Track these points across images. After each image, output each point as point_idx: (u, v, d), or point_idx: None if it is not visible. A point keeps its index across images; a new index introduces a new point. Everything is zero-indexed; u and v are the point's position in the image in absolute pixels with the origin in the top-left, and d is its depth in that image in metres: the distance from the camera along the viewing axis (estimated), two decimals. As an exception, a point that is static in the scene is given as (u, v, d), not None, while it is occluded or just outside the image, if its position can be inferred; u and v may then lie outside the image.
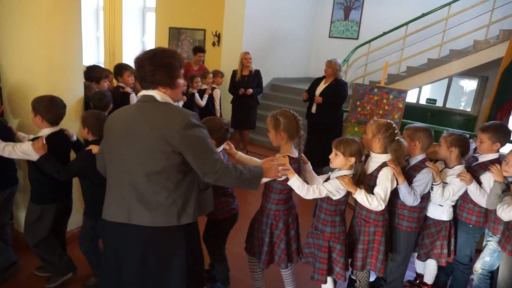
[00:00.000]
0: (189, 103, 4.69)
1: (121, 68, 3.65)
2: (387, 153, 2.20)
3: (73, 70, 2.71)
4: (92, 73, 3.22)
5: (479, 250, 2.49)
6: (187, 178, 1.61)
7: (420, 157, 2.27)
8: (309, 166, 2.29)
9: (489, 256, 2.35)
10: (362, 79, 6.64)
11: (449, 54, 5.97)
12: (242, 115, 5.20)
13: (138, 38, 7.97)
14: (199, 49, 5.54)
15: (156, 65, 1.54)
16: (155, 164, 1.52)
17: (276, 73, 7.36)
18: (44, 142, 2.19)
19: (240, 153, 2.38)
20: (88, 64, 3.65)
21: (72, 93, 2.73)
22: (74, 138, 2.51)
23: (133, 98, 3.61)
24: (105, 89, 3.09)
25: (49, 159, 2.18)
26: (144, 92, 1.60)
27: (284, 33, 7.44)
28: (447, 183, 2.33)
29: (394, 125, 2.20)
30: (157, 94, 1.57)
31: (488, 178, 2.26)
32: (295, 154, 2.14)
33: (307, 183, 2.15)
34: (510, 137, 2.38)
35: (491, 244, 2.35)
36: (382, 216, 2.19)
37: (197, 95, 4.91)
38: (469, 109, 7.50)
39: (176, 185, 1.56)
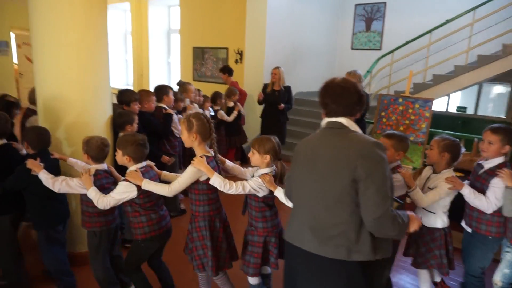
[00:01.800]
0: (217, 121, 4.83)
1: (163, 89, 3.76)
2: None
3: (102, 91, 2.85)
4: (122, 97, 3.35)
5: (496, 260, 2.38)
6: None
7: (394, 164, 2.25)
8: (229, 163, 2.42)
9: (508, 268, 2.24)
10: (386, 90, 6.54)
11: (477, 60, 5.79)
12: (272, 130, 5.23)
13: (164, 59, 8.26)
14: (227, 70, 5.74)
15: (342, 94, 1.59)
16: (334, 191, 1.51)
17: (300, 87, 7.37)
18: None
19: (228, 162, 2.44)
20: (118, 86, 3.81)
21: (101, 112, 2.86)
22: (24, 152, 2.57)
23: (176, 119, 3.73)
24: (131, 111, 3.21)
25: None
26: (332, 119, 1.62)
27: (306, 47, 7.49)
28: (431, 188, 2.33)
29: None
30: (344, 120, 1.59)
31: (499, 184, 2.16)
32: (210, 153, 2.25)
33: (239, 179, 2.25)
34: None
35: (510, 256, 2.24)
36: None
37: (221, 111, 5.02)
38: (502, 115, 7.20)
39: (350, 217, 1.50)
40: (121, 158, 2.23)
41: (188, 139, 2.19)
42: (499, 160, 2.23)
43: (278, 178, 2.23)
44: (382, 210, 1.44)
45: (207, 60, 6.86)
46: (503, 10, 5.51)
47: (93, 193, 2.18)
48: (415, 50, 6.25)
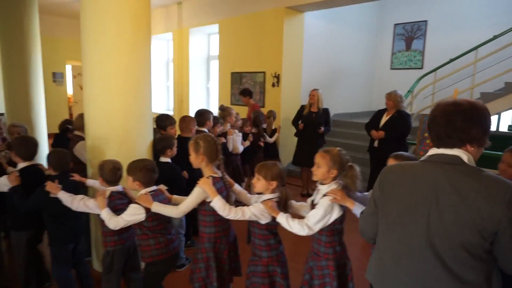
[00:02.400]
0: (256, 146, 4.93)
1: (204, 114, 3.87)
2: None
3: (144, 118, 2.98)
4: (159, 122, 3.49)
5: None
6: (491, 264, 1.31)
7: None
8: (237, 187, 2.37)
9: None
10: (429, 110, 6.27)
11: (529, 76, 5.45)
12: (308, 153, 5.16)
13: (203, 85, 8.53)
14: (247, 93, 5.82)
15: (470, 120, 1.30)
16: (469, 239, 1.25)
17: (338, 108, 7.29)
18: (18, 174, 2.49)
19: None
20: (159, 111, 3.97)
21: (143, 138, 2.98)
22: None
23: None
24: (170, 135, 3.32)
25: (17, 190, 2.45)
26: (443, 151, 1.35)
27: (344, 68, 7.45)
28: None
29: None
30: (463, 154, 1.32)
31: None
32: (218, 174, 2.24)
33: (244, 204, 2.22)
34: None
35: None
36: (332, 249, 2.08)
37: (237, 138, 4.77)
38: (562, 135, 6.64)
39: (485, 265, 1.29)
40: (132, 183, 2.30)
41: (196, 160, 2.23)
42: None
43: (282, 205, 2.14)
44: None
45: (245, 84, 6.98)
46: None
47: (105, 214, 2.26)
48: (460, 67, 6.00)
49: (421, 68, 7.40)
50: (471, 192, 1.24)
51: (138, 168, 2.29)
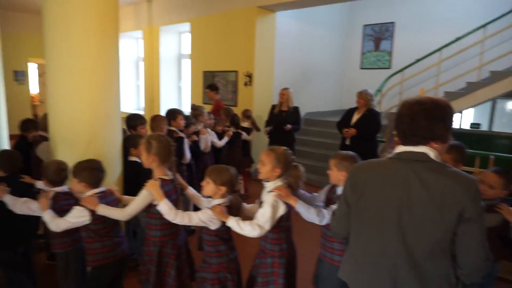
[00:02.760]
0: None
1: (174, 113, 3.80)
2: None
3: (112, 118, 2.88)
4: (129, 121, 3.40)
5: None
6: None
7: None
8: (191, 190, 2.30)
9: None
10: (397, 108, 6.47)
11: (489, 76, 5.72)
12: None
13: (175, 83, 8.40)
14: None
15: (433, 118, 1.34)
16: (438, 233, 1.31)
17: (309, 107, 7.39)
18: None
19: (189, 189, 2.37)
20: (129, 111, 3.86)
21: (111, 138, 2.89)
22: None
23: (185, 143, 3.74)
24: (137, 134, 3.24)
25: None
26: (410, 149, 1.38)
27: (315, 68, 7.55)
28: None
29: None
30: (430, 151, 1.35)
31: None
32: (169, 176, 2.17)
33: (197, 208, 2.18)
34: None
35: None
36: (278, 246, 2.08)
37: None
38: (519, 132, 7.04)
39: (450, 262, 1.35)
40: (78, 185, 2.19)
41: (147, 160, 2.17)
42: None
43: (235, 211, 2.10)
44: (487, 251, 1.33)
45: (217, 84, 6.93)
46: (513, 26, 5.48)
47: (46, 216, 2.16)
48: (426, 68, 6.22)
49: (389, 68, 7.62)
50: (439, 187, 1.29)
51: (83, 169, 2.19)
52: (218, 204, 2.05)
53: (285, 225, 2.09)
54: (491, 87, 5.59)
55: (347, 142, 4.61)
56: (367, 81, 7.41)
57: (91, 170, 2.20)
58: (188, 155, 3.73)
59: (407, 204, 1.33)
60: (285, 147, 2.15)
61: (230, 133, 4.85)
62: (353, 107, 4.71)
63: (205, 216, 2.03)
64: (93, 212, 2.13)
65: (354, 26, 8.24)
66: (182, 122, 3.80)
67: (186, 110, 7.33)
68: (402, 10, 7.52)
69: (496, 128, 7.27)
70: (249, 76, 6.30)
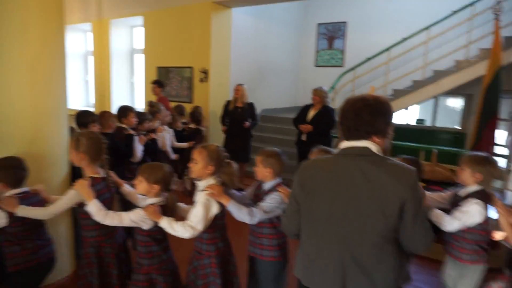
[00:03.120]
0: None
1: (125, 110, 3.65)
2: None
3: (58, 115, 2.70)
4: (79, 119, 3.22)
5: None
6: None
7: (273, 182, 2.16)
8: (127, 187, 2.26)
9: None
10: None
11: (433, 75, 6.09)
12: (236, 148, 5.19)
13: (127, 79, 8.07)
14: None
15: (375, 113, 1.42)
16: (381, 225, 1.37)
17: (266, 104, 7.44)
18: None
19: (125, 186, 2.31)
20: (78, 108, 3.65)
21: (57, 137, 2.70)
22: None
23: (136, 140, 3.60)
24: (79, 131, 3.07)
25: None
26: (353, 144, 1.44)
27: (271, 65, 7.60)
28: None
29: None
30: (372, 145, 1.42)
31: None
32: (101, 174, 2.12)
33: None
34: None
35: None
36: (214, 246, 2.06)
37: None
38: (458, 127, 7.58)
39: (394, 247, 1.42)
40: None
41: (76, 158, 2.08)
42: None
43: (170, 210, 2.04)
44: (430, 237, 1.43)
45: (172, 80, 6.77)
46: (455, 29, 5.87)
47: None
48: (376, 66, 6.50)
49: (342, 66, 7.87)
50: (381, 179, 1.36)
51: (1, 167, 2.05)
52: (152, 204, 1.99)
53: (219, 223, 2.06)
54: (434, 85, 5.96)
55: (303, 138, 4.70)
56: (321, 79, 7.59)
57: (8, 169, 2.05)
58: (139, 153, 3.59)
59: (352, 198, 1.39)
60: (217, 144, 2.13)
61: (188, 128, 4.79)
62: (309, 104, 4.81)
63: (136, 216, 1.96)
64: (11, 214, 1.98)
65: (309, 24, 8.40)
66: (133, 120, 3.65)
67: (141, 106, 7.10)
68: (353, 11, 7.79)
69: (439, 124, 7.77)
70: (205, 72, 6.22)
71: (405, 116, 7.99)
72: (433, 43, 6.11)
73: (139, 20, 7.13)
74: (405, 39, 6.23)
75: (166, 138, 4.36)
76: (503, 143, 4.33)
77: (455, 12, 5.86)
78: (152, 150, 3.89)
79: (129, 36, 7.94)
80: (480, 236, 2.15)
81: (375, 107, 1.42)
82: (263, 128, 6.97)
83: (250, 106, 5.24)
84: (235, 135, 5.16)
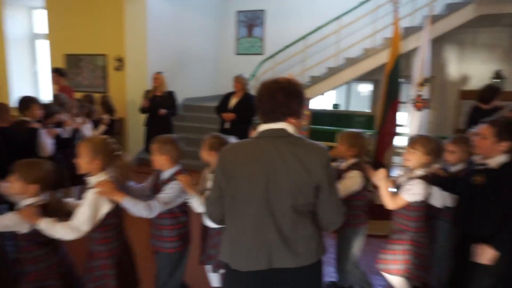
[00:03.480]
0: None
1: (27, 101, 3.29)
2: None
3: None
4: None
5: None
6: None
7: (172, 170, 2.10)
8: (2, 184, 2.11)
9: None
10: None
11: (345, 62, 6.52)
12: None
13: (28, 68, 7.23)
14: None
15: (290, 95, 1.46)
16: (299, 201, 1.45)
17: (187, 93, 7.28)
18: None
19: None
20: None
21: None
22: None
23: (42, 134, 3.24)
24: None
25: None
26: (271, 126, 1.48)
27: (191, 53, 7.43)
28: None
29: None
30: (288, 126, 1.48)
31: None
32: None
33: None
34: None
35: None
36: (106, 246, 1.93)
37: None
38: (368, 110, 8.26)
39: (312, 220, 1.52)
40: None
41: None
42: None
43: (53, 211, 1.87)
44: (343, 212, 1.56)
45: (84, 69, 6.24)
46: (362, 19, 6.32)
47: None
48: (293, 54, 6.73)
49: (262, 54, 8.01)
50: (297, 158, 1.43)
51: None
52: (29, 204, 1.82)
53: (112, 221, 1.92)
54: (346, 71, 6.39)
55: (227, 126, 4.71)
56: (242, 66, 7.63)
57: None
58: (48, 147, 3.28)
59: (272, 178, 1.44)
60: (105, 136, 2.04)
61: (106, 121, 4.48)
62: (230, 92, 4.82)
63: (8, 220, 1.78)
64: None
65: (228, 12, 8.35)
66: (38, 112, 3.30)
67: (48, 98, 6.42)
68: (271, -1, 7.93)
69: (352, 108, 8.39)
70: (120, 60, 5.84)
71: (322, 101, 8.48)
72: (344, 32, 6.52)
73: (38, 1, 6.39)
74: (319, 28, 6.55)
75: (86, 130, 4.06)
76: (404, 123, 4.85)
77: (361, 3, 6.30)
78: (64, 143, 3.59)
79: (27, 19, 7.09)
80: (360, 201, 2.40)
81: (289, 89, 1.47)
82: (185, 118, 6.83)
83: (170, 94, 5.08)
84: (155, 126, 4.97)
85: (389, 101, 4.28)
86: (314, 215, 1.54)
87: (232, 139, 2.30)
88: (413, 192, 2.09)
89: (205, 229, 2.37)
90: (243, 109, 4.62)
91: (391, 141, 4.38)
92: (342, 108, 8.39)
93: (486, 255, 1.90)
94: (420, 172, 2.15)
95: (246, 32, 8.38)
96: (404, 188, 2.13)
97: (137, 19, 5.85)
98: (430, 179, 2.17)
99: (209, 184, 2.19)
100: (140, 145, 5.78)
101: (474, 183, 2.01)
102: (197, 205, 2.10)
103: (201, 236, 2.45)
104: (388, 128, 4.32)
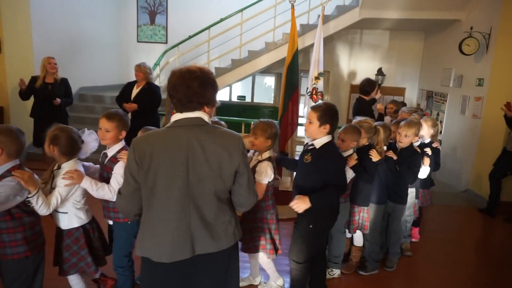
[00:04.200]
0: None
1: None
2: None
3: None
4: None
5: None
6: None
7: (6, 166, 1.87)
8: None
9: None
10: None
11: (248, 55, 6.70)
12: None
13: None
14: None
15: (205, 84, 1.47)
16: (220, 187, 1.51)
17: (83, 81, 6.71)
18: None
19: None
20: None
21: None
22: None
23: None
24: None
25: None
26: (188, 115, 1.48)
27: (87, 38, 6.84)
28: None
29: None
30: (204, 115, 1.51)
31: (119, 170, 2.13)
32: None
33: None
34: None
35: None
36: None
37: None
38: (272, 102, 8.67)
39: (229, 205, 1.61)
40: None
41: None
42: (118, 146, 2.18)
43: None
44: (253, 193, 1.66)
45: None
46: (263, 14, 6.55)
47: None
48: (198, 44, 6.68)
49: (166, 43, 7.77)
50: (215, 146, 1.47)
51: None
52: None
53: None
54: (249, 64, 6.58)
55: (129, 116, 4.48)
56: (145, 55, 7.34)
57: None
58: None
59: (192, 166, 1.45)
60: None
61: None
62: (132, 81, 4.59)
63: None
64: None
65: (128, -4, 7.88)
66: None
67: None
68: (173, -14, 7.72)
69: (256, 100, 8.70)
70: (-3, 41, 5.09)
71: (228, 93, 8.61)
72: (247, 25, 6.69)
73: None
74: (222, 20, 6.59)
75: None
76: (302, 114, 5.23)
77: (262, -2, 6.53)
78: None
79: None
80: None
81: (204, 79, 1.47)
82: (82, 108, 6.30)
83: (64, 82, 4.62)
84: (46, 116, 4.47)
85: (289, 93, 4.56)
86: (230, 199, 1.61)
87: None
88: (266, 173, 2.29)
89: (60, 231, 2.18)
90: (145, 99, 4.44)
91: (293, 131, 4.69)
92: (247, 99, 8.64)
93: (301, 204, 2.14)
94: (266, 154, 2.36)
95: (148, 19, 8.03)
96: (258, 173, 2.29)
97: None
98: (275, 160, 2.45)
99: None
100: (30, 139, 5.12)
101: (304, 161, 2.28)
102: (38, 205, 1.89)
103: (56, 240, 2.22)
104: (289, 118, 4.62)
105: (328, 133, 2.22)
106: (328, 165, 2.18)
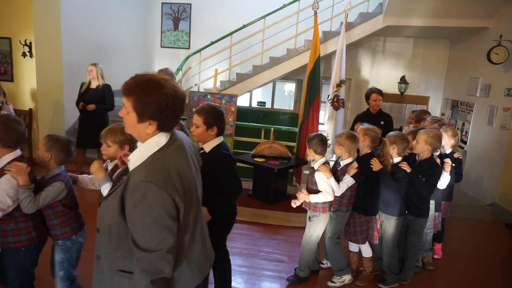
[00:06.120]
0: None
1: None
2: None
3: None
4: None
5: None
6: None
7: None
8: None
9: None
10: (197, 87, 6.83)
11: (269, 61, 6.72)
12: (87, 134, 4.70)
13: None
14: None
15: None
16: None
17: (112, 85, 6.86)
18: None
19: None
20: None
21: None
22: None
23: None
24: None
25: None
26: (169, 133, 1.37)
27: (113, 43, 7.05)
28: None
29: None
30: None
31: None
32: None
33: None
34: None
35: None
36: None
37: None
38: (291, 108, 8.64)
39: None
40: None
41: None
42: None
43: None
44: None
45: (-17, 52, 5.52)
46: (285, 20, 6.56)
47: None
48: (219, 50, 6.74)
49: (188, 48, 7.89)
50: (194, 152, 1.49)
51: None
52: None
53: None
54: (270, 70, 6.59)
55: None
56: (168, 60, 7.46)
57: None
58: None
59: (197, 176, 1.45)
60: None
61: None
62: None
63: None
64: None
65: (153, 3, 8.07)
66: None
67: None
68: (197, -7, 7.85)
69: (276, 106, 8.69)
70: (29, 45, 5.29)
71: (248, 98, 8.64)
72: (269, 32, 6.71)
73: None
74: (244, 26, 6.64)
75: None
76: (323, 121, 5.19)
77: (284, 5, 6.55)
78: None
79: None
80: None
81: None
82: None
83: (106, 88, 4.79)
84: (86, 120, 4.68)
85: (310, 100, 4.54)
86: None
87: None
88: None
89: None
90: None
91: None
92: (267, 105, 8.64)
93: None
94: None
95: (172, 25, 8.18)
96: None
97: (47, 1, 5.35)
98: None
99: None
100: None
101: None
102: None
103: None
104: (310, 125, 4.59)
105: (217, 135, 2.19)
106: (218, 167, 2.13)
